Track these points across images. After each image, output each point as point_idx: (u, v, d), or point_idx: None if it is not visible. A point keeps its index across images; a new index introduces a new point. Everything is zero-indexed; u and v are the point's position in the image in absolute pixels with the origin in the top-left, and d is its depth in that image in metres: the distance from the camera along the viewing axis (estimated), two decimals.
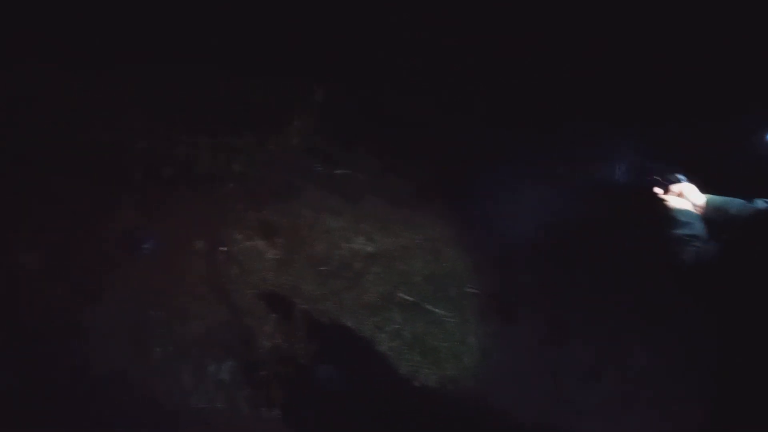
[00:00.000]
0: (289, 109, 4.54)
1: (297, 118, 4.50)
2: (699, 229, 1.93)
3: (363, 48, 4.73)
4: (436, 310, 3.79)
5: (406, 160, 4.53)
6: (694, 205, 2.07)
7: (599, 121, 4.34)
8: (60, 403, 2.97)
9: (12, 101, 4.31)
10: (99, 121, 4.36)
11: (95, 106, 4.42)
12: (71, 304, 3.41)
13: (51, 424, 2.89)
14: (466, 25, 4.75)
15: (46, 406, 2.95)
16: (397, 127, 4.60)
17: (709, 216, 2.05)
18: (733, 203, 2.03)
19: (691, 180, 2.18)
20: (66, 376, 3.10)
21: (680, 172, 2.20)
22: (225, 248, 3.82)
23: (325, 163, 4.52)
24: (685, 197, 2.11)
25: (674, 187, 2.14)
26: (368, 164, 4.58)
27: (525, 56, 4.64)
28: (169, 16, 4.67)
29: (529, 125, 4.44)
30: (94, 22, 4.60)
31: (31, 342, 3.20)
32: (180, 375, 3.21)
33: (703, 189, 2.16)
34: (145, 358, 3.25)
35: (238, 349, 3.36)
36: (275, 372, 3.26)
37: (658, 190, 2.15)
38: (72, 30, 4.56)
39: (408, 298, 3.82)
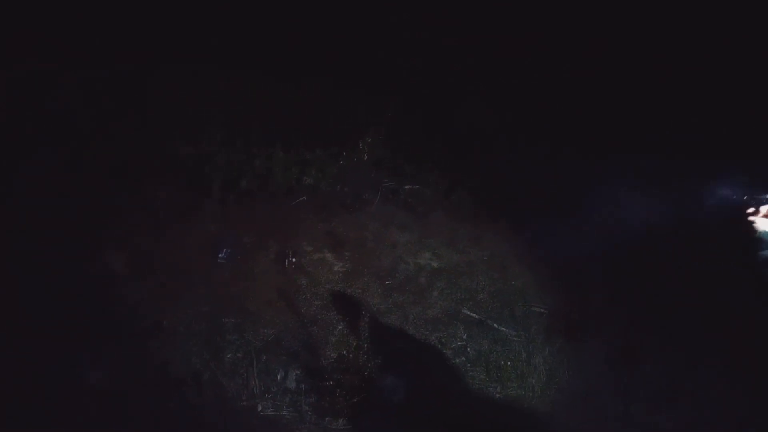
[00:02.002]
0: (360, 124, 4.64)
1: (368, 134, 4.60)
2: None
3: (433, 65, 4.78)
4: (502, 328, 3.75)
5: (473, 176, 4.52)
6: None
7: (690, 140, 4.20)
8: (133, 401, 3.13)
9: (107, 113, 4.61)
10: (183, 133, 4.62)
11: (180, 119, 4.67)
12: (153, 306, 3.61)
13: (125, 421, 3.06)
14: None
15: (126, 404, 3.12)
16: (466, 144, 4.60)
17: None
18: None
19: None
20: (143, 376, 3.26)
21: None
22: (295, 259, 3.94)
23: (394, 177, 4.59)
24: None
25: (764, 208, 2.12)
26: (436, 180, 4.62)
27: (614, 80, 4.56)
28: (250, 31, 4.88)
29: (614, 141, 4.34)
30: (181, 38, 4.86)
31: (113, 341, 3.38)
32: (249, 380, 3.32)
33: None
34: (216, 362, 3.39)
35: (305, 357, 3.44)
36: (340, 381, 3.32)
37: (749, 211, 2.14)
38: (161, 46, 4.85)
39: (473, 315, 3.80)
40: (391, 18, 4.81)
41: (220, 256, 3.92)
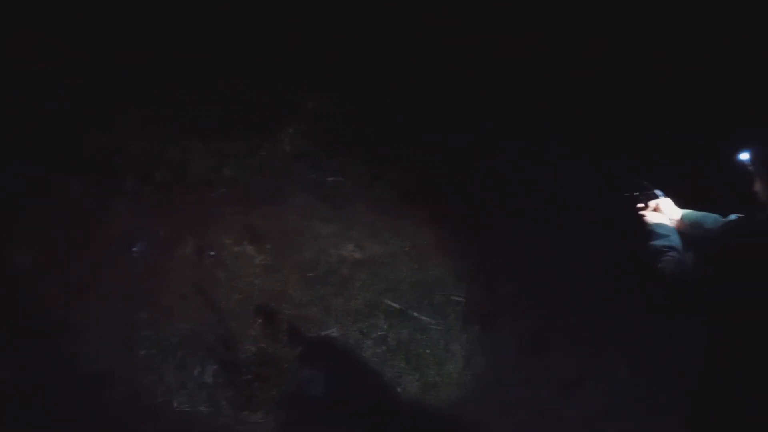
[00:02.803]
0: (280, 115, 4.59)
1: (288, 125, 4.55)
2: (675, 241, 2.01)
3: (355, 55, 4.79)
4: (422, 317, 3.83)
5: (395, 167, 4.58)
6: (671, 219, 2.17)
7: (583, 135, 4.43)
8: (47, 399, 2.99)
9: (13, 102, 4.35)
10: (95, 123, 4.41)
11: (91, 107, 4.46)
12: (62, 302, 3.45)
13: (38, 420, 2.91)
14: (463, 30, 4.83)
15: (34, 403, 2.96)
16: (387, 135, 4.65)
17: (685, 230, 2.14)
18: (708, 218, 2.13)
19: (668, 196, 2.29)
20: (54, 374, 3.12)
21: (659, 188, 2.30)
22: (213, 252, 3.86)
23: (316, 169, 4.58)
24: (663, 212, 2.21)
25: (653, 203, 2.25)
26: (358, 171, 4.64)
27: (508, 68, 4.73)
28: (164, 18, 4.72)
29: (516, 136, 4.51)
30: (90, 24, 4.64)
31: (22, 339, 3.22)
32: (164, 375, 3.23)
33: (680, 204, 2.26)
34: (131, 357, 3.28)
35: (222, 351, 3.39)
36: (259, 375, 3.29)
37: (638, 204, 2.26)
38: (69, 31, 4.61)
39: (394, 305, 3.86)
40: (382, 24, 4.81)
41: (134, 249, 3.79)
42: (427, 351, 3.65)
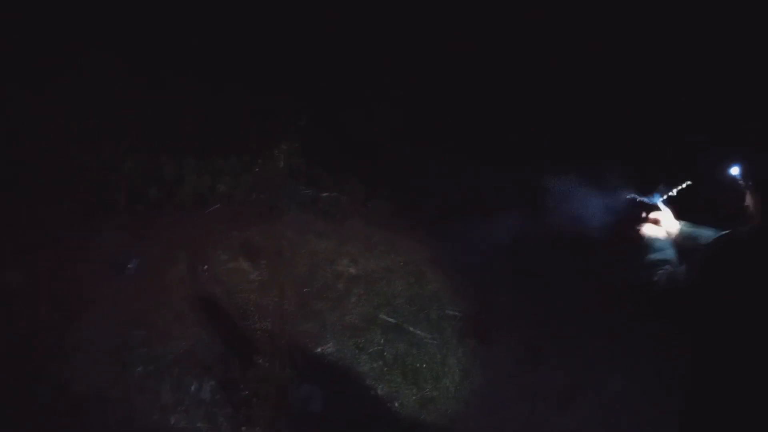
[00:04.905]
0: (274, 132, 4.61)
1: (283, 141, 4.57)
2: (670, 255, 2.04)
3: (348, 71, 4.84)
4: (418, 332, 3.84)
5: (390, 183, 4.61)
6: (668, 232, 2.20)
7: (580, 148, 4.48)
8: (40, 420, 2.95)
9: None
10: (82, 142, 4.40)
11: (78, 126, 4.45)
12: (54, 322, 3.41)
13: None
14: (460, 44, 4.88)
15: (27, 424, 2.93)
16: (381, 150, 4.69)
17: (681, 243, 2.17)
18: (704, 232, 2.15)
19: (667, 208, 2.31)
20: (47, 394, 3.08)
21: (657, 201, 2.32)
22: (206, 268, 3.85)
23: (310, 186, 4.60)
24: (661, 224, 2.23)
25: (651, 215, 2.26)
26: (353, 187, 4.67)
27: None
28: (156, 34, 4.74)
29: (510, 150, 4.57)
30: (78, 39, 4.64)
31: (14, 360, 3.18)
32: (161, 394, 3.21)
33: (678, 217, 2.28)
34: (126, 376, 3.25)
35: (219, 368, 3.37)
36: (256, 392, 3.27)
37: (635, 217, 2.27)
38: (51, 48, 4.60)
39: (390, 319, 3.87)
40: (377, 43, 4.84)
41: (129, 266, 3.77)
42: (424, 366, 3.66)
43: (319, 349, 3.62)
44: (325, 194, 4.57)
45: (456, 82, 4.92)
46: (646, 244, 2.11)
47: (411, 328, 3.84)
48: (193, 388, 3.27)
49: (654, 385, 3.60)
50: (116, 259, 3.81)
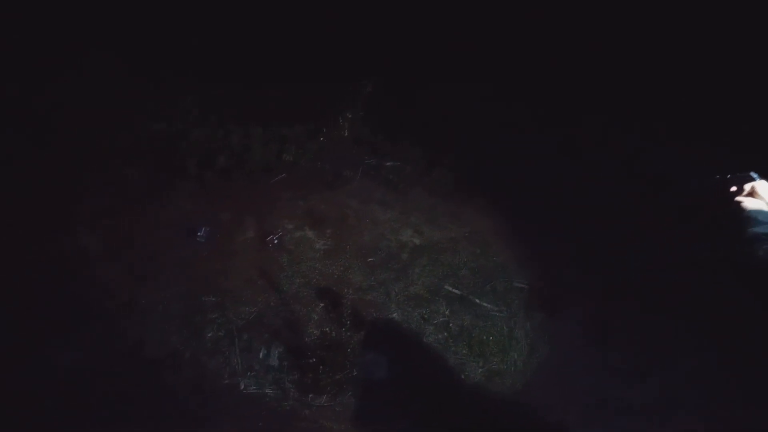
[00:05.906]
0: (340, 100, 4.58)
1: (348, 110, 4.53)
2: None
3: (412, 42, 4.72)
4: (484, 304, 3.77)
5: (453, 153, 4.49)
6: None
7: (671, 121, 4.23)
8: (113, 382, 3.09)
9: (76, 95, 4.48)
10: (154, 110, 4.49)
11: (151, 95, 4.55)
12: (127, 287, 3.54)
13: (100, 402, 3.01)
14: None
15: (100, 385, 3.07)
16: (444, 120, 4.57)
17: None
18: None
19: (764, 178, 2.11)
20: (119, 359, 3.21)
21: (754, 171, 2.13)
22: (278, 235, 3.89)
23: (375, 154, 4.55)
24: (760, 196, 2.04)
25: (748, 186, 2.07)
26: (416, 157, 4.59)
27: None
28: (224, 8, 4.77)
29: (582, 124, 4.37)
30: (150, 18, 4.73)
31: (87, 324, 3.32)
32: (230, 358, 3.29)
33: None
34: (196, 340, 3.35)
35: (287, 334, 3.42)
36: (323, 358, 3.30)
37: (732, 189, 2.08)
38: (125, 27, 4.70)
39: (455, 291, 3.81)
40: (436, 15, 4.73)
41: (198, 234, 3.85)
42: (491, 338, 3.59)
43: (384, 319, 3.61)
44: (389, 163, 4.51)
45: (528, 52, 4.71)
46: (747, 217, 1.94)
47: (477, 300, 3.77)
48: (261, 353, 3.33)
49: (727, 368, 3.40)
50: (187, 225, 3.90)
